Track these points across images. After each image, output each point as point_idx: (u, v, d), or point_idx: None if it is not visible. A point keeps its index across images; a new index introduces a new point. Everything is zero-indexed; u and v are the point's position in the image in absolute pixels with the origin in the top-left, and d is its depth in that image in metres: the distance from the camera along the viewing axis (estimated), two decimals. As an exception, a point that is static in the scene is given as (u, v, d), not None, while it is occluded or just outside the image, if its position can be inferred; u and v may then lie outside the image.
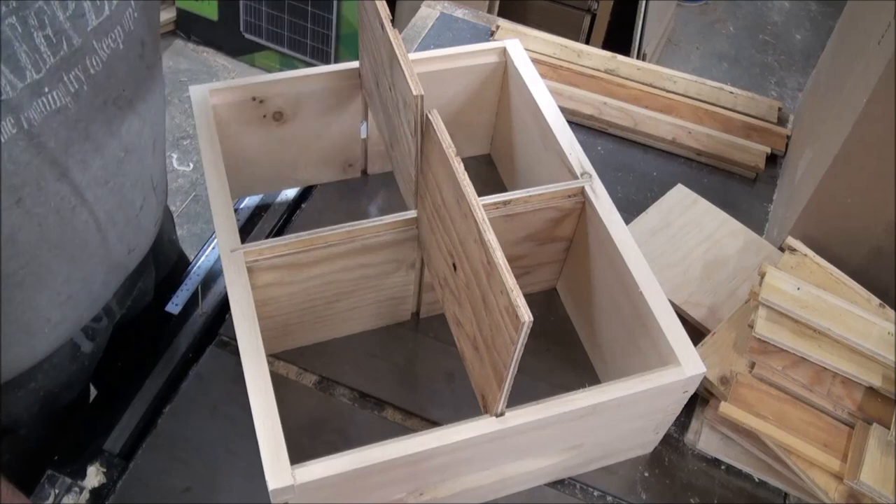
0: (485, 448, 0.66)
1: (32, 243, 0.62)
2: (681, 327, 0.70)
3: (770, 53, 2.79)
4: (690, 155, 1.09)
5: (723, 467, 0.80)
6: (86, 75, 0.59)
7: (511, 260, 0.57)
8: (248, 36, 2.48)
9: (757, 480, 0.80)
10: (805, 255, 0.88)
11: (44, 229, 0.62)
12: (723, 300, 0.89)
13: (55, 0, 0.55)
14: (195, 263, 0.92)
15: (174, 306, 0.87)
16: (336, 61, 2.41)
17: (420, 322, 0.87)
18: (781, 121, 1.14)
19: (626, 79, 1.15)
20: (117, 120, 0.64)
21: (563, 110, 0.92)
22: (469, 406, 0.69)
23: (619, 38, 2.25)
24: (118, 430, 0.77)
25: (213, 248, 0.93)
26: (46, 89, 0.56)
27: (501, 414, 0.63)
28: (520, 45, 0.92)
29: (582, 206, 0.80)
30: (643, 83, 1.15)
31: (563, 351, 0.86)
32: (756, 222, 1.01)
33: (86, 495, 0.73)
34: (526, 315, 0.52)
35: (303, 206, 0.97)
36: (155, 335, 0.84)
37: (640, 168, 1.07)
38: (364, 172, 0.99)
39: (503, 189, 1.00)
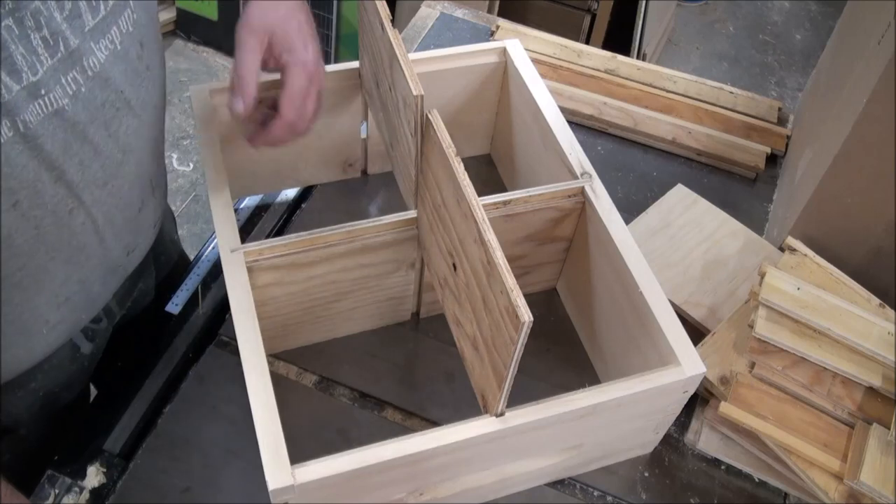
0: (485, 448, 0.66)
1: (30, 245, 0.62)
2: (681, 327, 0.70)
3: (770, 53, 2.79)
4: (690, 155, 1.09)
5: (723, 467, 0.80)
6: (83, 77, 0.59)
7: (511, 260, 0.57)
8: (248, 36, 2.48)
9: (757, 480, 0.80)
10: (805, 255, 0.88)
11: (41, 231, 0.62)
12: (723, 300, 0.89)
13: (52, 0, 0.54)
14: (195, 263, 0.92)
15: (174, 306, 0.87)
16: (336, 61, 2.41)
17: (420, 322, 0.87)
18: (781, 121, 1.14)
19: (626, 79, 1.15)
20: (115, 121, 0.64)
21: (563, 110, 0.92)
22: (469, 406, 0.69)
23: (619, 38, 2.25)
24: (118, 430, 0.77)
25: (213, 248, 0.93)
26: (43, 91, 0.56)
27: (501, 414, 0.63)
28: (520, 45, 0.92)
29: (582, 206, 0.80)
30: (643, 83, 1.15)
31: (563, 351, 0.86)
32: (756, 222, 1.01)
33: (86, 495, 0.73)
34: (526, 315, 0.52)
35: (303, 206, 0.97)
36: (155, 335, 0.84)
37: (640, 168, 1.07)
38: (364, 172, 0.99)
39: (503, 189, 1.00)
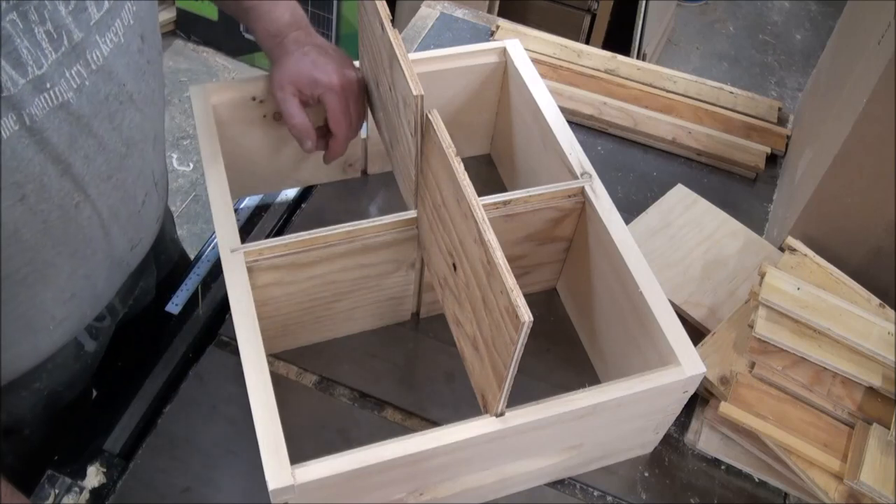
0: (485, 448, 0.66)
1: (36, 240, 0.62)
2: (681, 327, 0.70)
3: (770, 53, 2.79)
4: (690, 155, 1.09)
5: (723, 467, 0.80)
6: (87, 70, 0.59)
7: (511, 260, 0.57)
8: (248, 36, 2.48)
9: (757, 480, 0.80)
10: (805, 255, 0.88)
11: (48, 226, 0.62)
12: (723, 300, 0.89)
13: None
14: (195, 263, 0.92)
15: (174, 306, 0.87)
16: (336, 61, 2.40)
17: (420, 322, 0.87)
18: (781, 121, 1.14)
19: (626, 79, 1.15)
20: (119, 115, 0.64)
21: (563, 110, 0.92)
22: (469, 406, 0.69)
23: (619, 38, 2.25)
24: (118, 430, 0.77)
25: (213, 248, 0.93)
26: (48, 85, 0.56)
27: (501, 414, 0.63)
28: (520, 45, 0.92)
29: (582, 206, 0.80)
30: (643, 83, 1.15)
31: (563, 351, 0.86)
32: (756, 222, 1.01)
33: (86, 495, 0.73)
34: (526, 315, 0.52)
35: (303, 206, 0.97)
36: (155, 335, 0.84)
37: (640, 168, 1.07)
38: (364, 172, 0.99)
39: (503, 189, 1.00)
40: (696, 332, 0.86)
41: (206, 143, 0.79)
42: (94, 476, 0.74)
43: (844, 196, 0.85)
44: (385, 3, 0.71)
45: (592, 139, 1.10)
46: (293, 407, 0.79)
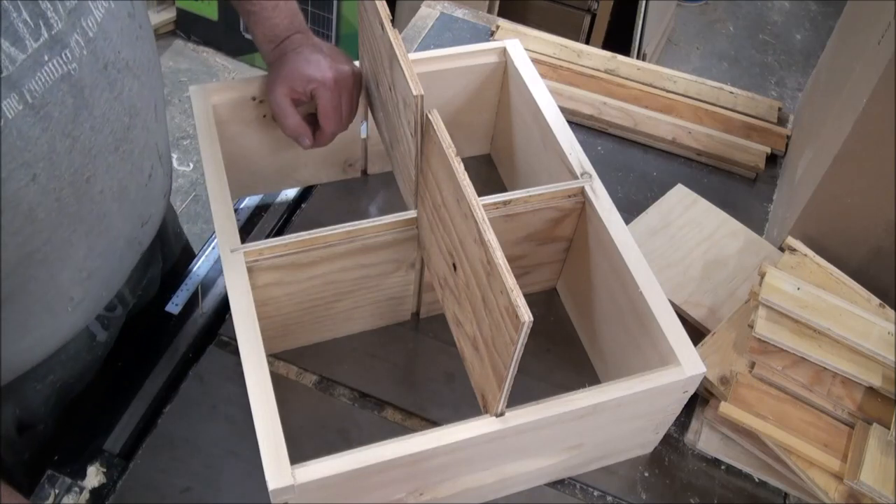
0: (485, 448, 0.66)
1: (52, 219, 0.62)
2: (681, 327, 0.70)
3: (770, 53, 2.79)
4: (690, 155, 1.09)
5: (723, 467, 0.80)
6: (85, 39, 0.59)
7: (511, 260, 0.57)
8: (248, 36, 2.48)
9: (757, 480, 0.80)
10: (805, 255, 0.88)
11: (62, 204, 0.62)
12: (723, 300, 0.89)
13: None
14: (195, 263, 0.92)
15: (174, 306, 0.87)
16: (336, 61, 2.40)
17: (420, 322, 0.87)
18: (781, 121, 1.14)
19: (626, 79, 1.15)
20: (118, 83, 0.64)
21: (563, 110, 0.92)
22: (469, 406, 0.69)
23: (619, 38, 2.25)
24: (118, 430, 0.77)
25: (213, 248, 0.93)
26: (46, 58, 0.56)
27: (501, 414, 0.63)
28: (520, 45, 0.92)
29: (582, 206, 0.80)
30: (643, 83, 1.15)
31: (563, 351, 0.86)
32: (756, 222, 1.01)
33: (86, 495, 0.73)
34: (526, 315, 0.52)
35: (303, 206, 0.97)
36: (155, 335, 0.85)
37: (640, 168, 1.07)
38: (364, 172, 0.99)
39: (503, 189, 1.00)
40: (696, 332, 0.86)
41: (205, 143, 0.79)
42: (94, 476, 0.74)
43: (844, 196, 0.85)
44: (385, 3, 0.71)
45: (592, 139, 1.10)
46: (293, 407, 0.79)
